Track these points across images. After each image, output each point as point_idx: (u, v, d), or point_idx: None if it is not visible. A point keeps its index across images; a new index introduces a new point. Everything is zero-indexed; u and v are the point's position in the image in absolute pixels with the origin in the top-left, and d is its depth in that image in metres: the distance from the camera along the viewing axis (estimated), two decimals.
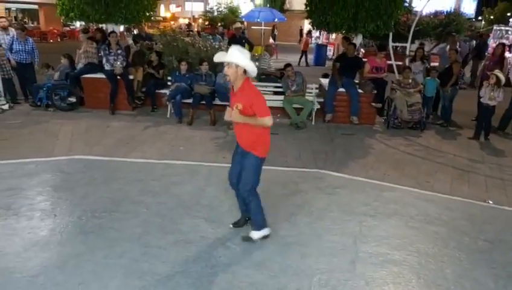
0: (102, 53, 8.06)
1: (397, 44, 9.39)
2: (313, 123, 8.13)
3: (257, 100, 3.46)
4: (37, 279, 3.17)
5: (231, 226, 4.05)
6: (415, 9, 14.71)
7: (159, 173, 5.36)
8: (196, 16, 41.03)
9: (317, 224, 4.24)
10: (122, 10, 8.44)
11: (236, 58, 3.36)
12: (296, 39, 32.50)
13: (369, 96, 8.14)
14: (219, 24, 30.16)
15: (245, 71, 3.42)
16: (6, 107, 7.92)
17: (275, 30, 26.40)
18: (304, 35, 22.94)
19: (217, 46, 8.67)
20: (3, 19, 8.41)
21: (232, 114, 3.49)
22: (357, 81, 8.28)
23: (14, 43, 8.27)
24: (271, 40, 20.27)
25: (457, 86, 8.36)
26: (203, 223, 4.11)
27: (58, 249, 3.57)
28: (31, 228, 3.88)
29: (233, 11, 36.09)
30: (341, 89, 8.11)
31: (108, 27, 8.97)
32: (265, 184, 5.03)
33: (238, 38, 9.70)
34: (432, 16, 15.33)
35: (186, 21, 37.53)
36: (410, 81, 8.12)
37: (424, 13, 13.57)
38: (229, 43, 9.41)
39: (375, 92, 8.10)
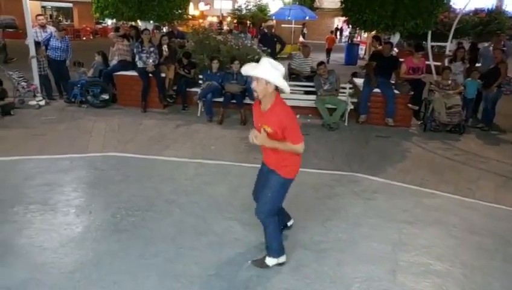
0: (135, 50, 8.13)
1: (433, 43, 9.00)
2: (346, 124, 7.94)
3: (291, 124, 2.98)
4: (74, 275, 3.17)
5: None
6: (453, 6, 14.15)
7: (192, 172, 5.32)
8: (225, 14, 41.13)
9: (354, 230, 4.08)
10: (155, 8, 8.49)
11: (267, 74, 2.88)
12: (326, 38, 32.14)
13: (405, 98, 7.86)
14: (248, 22, 30.11)
15: (276, 87, 2.98)
16: (42, 103, 8.09)
17: (304, 28, 26.12)
18: (330, 34, 22.61)
19: (249, 45, 8.57)
20: (42, 17, 8.61)
21: (258, 137, 3.00)
22: (393, 82, 8.01)
23: (52, 40, 8.45)
24: (301, 39, 20.05)
25: (501, 88, 7.98)
26: (236, 225, 4.03)
27: (94, 246, 3.57)
28: (67, 224, 3.90)
29: (262, 9, 35.95)
30: (376, 90, 7.89)
31: (141, 25, 9.03)
32: (297, 187, 4.93)
33: (270, 37, 9.59)
34: (471, 14, 14.73)
35: (215, 19, 37.73)
36: (449, 82, 7.80)
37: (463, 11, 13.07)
38: (260, 42, 9.34)
39: (412, 93, 7.81)
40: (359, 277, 3.36)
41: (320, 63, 8.12)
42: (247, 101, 7.84)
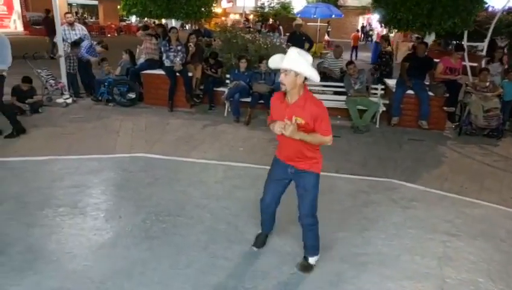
0: (162, 49, 8.04)
1: (469, 43, 8.59)
2: (377, 126, 7.67)
3: (324, 115, 2.89)
4: (105, 285, 3.06)
5: (254, 248, 3.61)
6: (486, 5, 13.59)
7: (221, 175, 5.18)
8: (247, 12, 40.99)
9: (394, 242, 3.85)
10: (183, 6, 8.38)
11: (297, 64, 2.75)
12: (349, 36, 31.65)
13: (440, 100, 7.53)
14: (271, 20, 29.92)
15: (305, 78, 2.85)
16: (70, 101, 8.10)
17: (329, 27, 25.73)
18: (356, 31, 22.23)
19: (278, 43, 8.38)
20: (70, 15, 8.62)
21: (288, 128, 2.82)
22: (427, 83, 7.69)
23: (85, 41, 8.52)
24: (326, 37, 19.72)
25: None
26: (271, 235, 3.85)
27: (124, 254, 3.45)
28: (96, 229, 3.80)
29: (285, 7, 35.71)
30: (409, 91, 7.59)
31: (169, 23, 8.94)
32: (332, 194, 4.78)
33: (298, 35, 9.37)
34: (505, 13, 14.10)
35: (237, 16, 37.59)
36: (487, 84, 7.43)
37: (496, 9, 12.55)
38: (289, 40, 9.14)
39: (447, 95, 7.48)
40: None
41: (350, 62, 7.88)
42: None
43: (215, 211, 4.25)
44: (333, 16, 16.69)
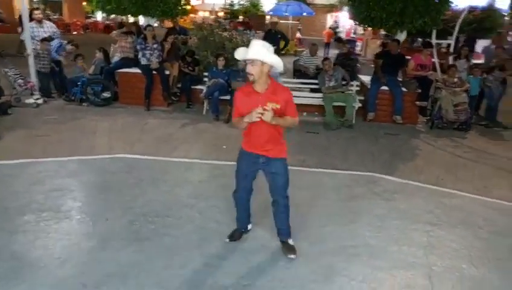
0: (138, 47, 7.90)
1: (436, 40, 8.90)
2: (354, 122, 7.84)
3: (292, 98, 3.20)
4: None
5: (227, 240, 3.69)
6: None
7: (206, 174, 5.17)
8: (216, 9, 40.68)
9: (381, 233, 3.98)
10: (159, 3, 8.24)
11: (262, 54, 2.94)
12: (320, 34, 31.99)
13: (412, 95, 7.80)
14: (242, 17, 29.85)
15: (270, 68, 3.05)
16: (40, 101, 7.82)
17: (299, 25, 25.97)
18: (327, 29, 22.55)
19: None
20: (38, 11, 8.30)
21: (267, 114, 2.98)
22: (399, 79, 7.93)
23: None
24: (298, 35, 19.91)
25: (505, 85, 7.98)
26: (261, 231, 3.89)
27: (116, 257, 3.39)
28: (83, 233, 3.72)
29: (254, 5, 35.66)
30: (383, 87, 7.81)
31: (144, 20, 8.78)
32: (317, 189, 4.87)
33: (274, 33, 9.43)
34: (466, 12, 14.72)
35: (206, 14, 37.28)
36: (456, 80, 7.75)
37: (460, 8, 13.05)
38: (265, 38, 9.16)
39: (419, 90, 7.75)
40: (397, 284, 3.26)
41: (326, 59, 8.00)
42: None
43: (203, 210, 4.24)
44: (304, 13, 16.87)
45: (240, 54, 3.10)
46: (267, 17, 34.41)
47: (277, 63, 3.03)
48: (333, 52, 19.12)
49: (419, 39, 15.77)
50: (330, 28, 22.43)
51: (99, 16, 35.06)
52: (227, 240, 3.69)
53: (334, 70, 7.86)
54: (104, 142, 6.13)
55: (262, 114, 2.98)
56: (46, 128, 6.57)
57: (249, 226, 3.83)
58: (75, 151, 5.61)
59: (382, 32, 17.58)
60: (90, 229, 3.78)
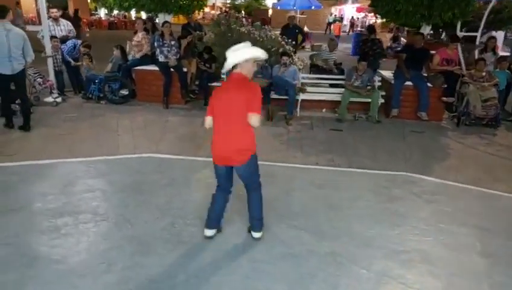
0: (155, 44, 7.73)
1: (465, 34, 8.69)
2: (377, 118, 7.67)
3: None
4: None
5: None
6: None
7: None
8: (218, 4, 40.39)
9: (430, 237, 3.82)
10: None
11: (253, 52, 3.19)
12: (323, 27, 31.73)
13: (438, 91, 7.61)
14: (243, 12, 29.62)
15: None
16: (59, 100, 7.68)
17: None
18: (334, 23, 22.34)
19: (273, 37, 8.22)
20: (55, 10, 8.13)
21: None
22: (424, 74, 7.75)
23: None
24: (306, 29, 19.68)
25: None
26: (304, 235, 3.75)
27: (162, 262, 3.25)
28: (124, 236, 3.57)
29: None
30: (407, 82, 7.62)
31: (160, 17, 8.60)
32: (355, 191, 4.70)
33: (292, 28, 9.23)
34: (482, 3, 14.47)
35: (207, 9, 37.01)
36: (484, 74, 7.56)
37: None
38: (282, 33, 8.99)
39: (446, 86, 7.57)
40: None
41: (363, 59, 7.72)
42: (274, 96, 7.53)
43: (242, 212, 4.08)
44: (313, 7, 16.59)
45: (234, 59, 3.22)
46: (269, 11, 34.27)
47: (262, 55, 3.27)
48: (342, 47, 19.00)
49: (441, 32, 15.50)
50: (338, 21, 22.22)
51: (102, 13, 34.85)
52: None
53: (365, 72, 7.65)
54: (127, 141, 5.99)
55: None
56: (67, 126, 6.43)
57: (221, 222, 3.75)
58: (100, 151, 5.48)
59: (392, 25, 17.39)
60: (129, 232, 3.65)
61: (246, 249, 3.48)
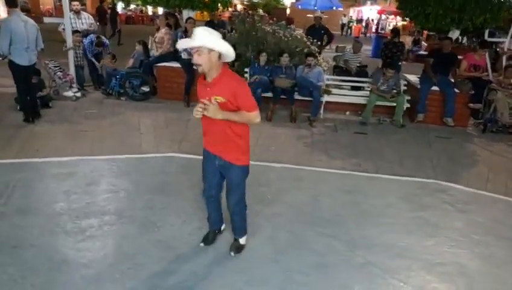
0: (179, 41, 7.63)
1: (491, 39, 8.51)
2: (402, 122, 7.50)
3: (243, 89, 2.77)
4: None
5: (202, 244, 3.42)
6: None
7: (263, 177, 4.89)
8: (235, 2, 40.20)
9: (466, 250, 3.68)
10: None
11: (207, 40, 2.62)
12: (338, 28, 31.42)
13: (464, 97, 7.42)
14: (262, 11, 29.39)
15: (220, 56, 2.70)
16: (79, 94, 7.64)
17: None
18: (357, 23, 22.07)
19: (299, 37, 8.09)
20: (76, 3, 8.08)
21: (210, 108, 2.68)
22: (451, 80, 7.56)
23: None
24: None
25: None
26: (336, 243, 3.63)
27: (192, 268, 3.16)
28: (153, 240, 3.48)
29: None
30: (433, 87, 7.44)
31: (184, 13, 8.51)
32: (386, 198, 4.56)
33: (317, 28, 9.07)
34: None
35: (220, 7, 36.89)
36: None
37: None
38: (308, 33, 8.85)
39: (473, 92, 7.37)
40: None
41: (391, 67, 7.54)
42: (297, 96, 7.41)
43: (270, 218, 3.99)
44: (334, 7, 16.39)
45: (183, 43, 2.93)
46: (287, 10, 34.02)
47: (226, 50, 2.70)
48: (363, 49, 18.76)
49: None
50: (359, 21, 21.94)
51: (119, 7, 34.93)
52: (202, 244, 3.43)
53: (393, 78, 7.48)
54: (150, 139, 5.91)
55: (204, 109, 2.69)
56: (88, 123, 6.37)
57: (222, 227, 3.60)
58: (122, 149, 5.41)
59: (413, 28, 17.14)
60: (156, 235, 3.56)
61: (278, 259, 3.36)
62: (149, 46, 8.22)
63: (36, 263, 3.08)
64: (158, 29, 8.19)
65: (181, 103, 7.75)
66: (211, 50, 2.64)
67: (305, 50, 7.88)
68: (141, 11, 32.65)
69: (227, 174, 3.07)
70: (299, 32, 8.35)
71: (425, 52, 14.97)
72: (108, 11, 17.06)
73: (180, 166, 5.00)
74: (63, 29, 7.74)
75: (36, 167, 4.74)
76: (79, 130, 6.00)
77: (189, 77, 7.61)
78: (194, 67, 7.43)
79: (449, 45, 7.45)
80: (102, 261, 3.17)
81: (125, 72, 7.77)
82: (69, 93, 7.53)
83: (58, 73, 7.52)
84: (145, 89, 7.81)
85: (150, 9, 32.64)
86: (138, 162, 5.05)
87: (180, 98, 7.79)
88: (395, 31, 8.79)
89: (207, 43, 2.62)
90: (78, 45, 7.85)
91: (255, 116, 2.80)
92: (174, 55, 7.88)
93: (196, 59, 2.68)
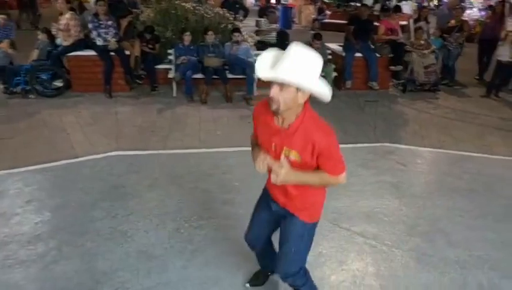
0: (90, 26, 6.85)
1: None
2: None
3: (331, 147, 1.95)
4: None
5: (247, 285, 2.80)
6: None
7: (222, 163, 4.65)
8: None
9: (434, 206, 3.92)
10: None
11: (303, 77, 1.80)
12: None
13: (385, 60, 7.87)
14: None
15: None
16: None
17: None
18: None
19: (221, 13, 7.74)
20: None
21: (281, 173, 1.90)
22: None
23: None
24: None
25: (462, 44, 8.42)
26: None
27: (183, 274, 2.88)
28: (130, 253, 3.09)
29: None
30: (357, 54, 7.75)
31: None
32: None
33: (232, 3, 8.63)
34: None
35: None
36: (422, 42, 7.96)
37: None
38: (223, 7, 8.34)
39: (392, 55, 7.84)
40: None
41: (318, 37, 7.54)
42: (230, 75, 7.15)
43: (245, 205, 3.78)
44: None
45: (262, 68, 1.86)
46: None
47: (322, 93, 1.89)
48: None
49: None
50: None
51: None
52: (248, 285, 2.79)
53: (319, 48, 7.50)
54: (81, 139, 5.26)
55: (276, 173, 1.91)
56: (2, 129, 5.45)
57: None
58: (53, 155, 4.71)
59: None
60: (132, 246, 3.17)
61: None
62: (54, 34, 7.21)
63: None
64: (61, 15, 7.21)
65: (102, 94, 7.00)
66: (302, 89, 1.84)
67: (229, 26, 7.60)
68: None
69: (282, 225, 2.29)
70: (220, 8, 7.98)
71: (330, 21, 15.63)
72: None
73: (127, 165, 4.52)
74: None
75: None
76: None
77: (108, 65, 6.89)
78: (112, 53, 6.46)
79: (366, 11, 7.79)
80: (79, 287, 2.74)
81: (30, 66, 6.76)
82: None
83: None
84: (58, 83, 6.91)
85: None
86: (78, 167, 4.46)
87: (99, 90, 7.04)
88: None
89: (300, 80, 1.79)
90: None
91: (341, 180, 2.04)
92: (85, 42, 7.06)
93: (274, 93, 1.84)
